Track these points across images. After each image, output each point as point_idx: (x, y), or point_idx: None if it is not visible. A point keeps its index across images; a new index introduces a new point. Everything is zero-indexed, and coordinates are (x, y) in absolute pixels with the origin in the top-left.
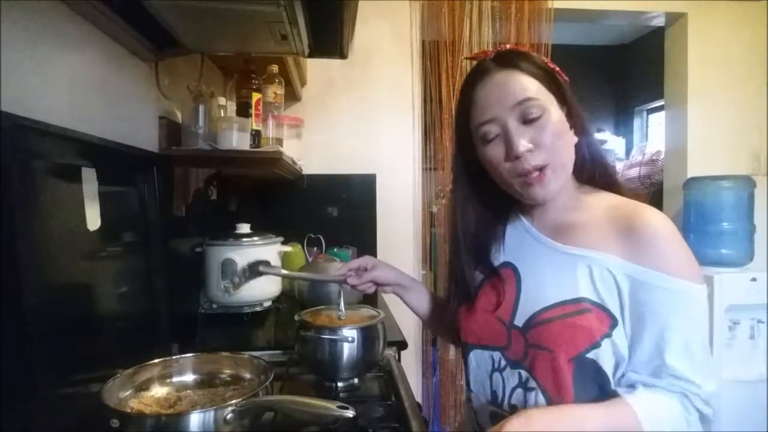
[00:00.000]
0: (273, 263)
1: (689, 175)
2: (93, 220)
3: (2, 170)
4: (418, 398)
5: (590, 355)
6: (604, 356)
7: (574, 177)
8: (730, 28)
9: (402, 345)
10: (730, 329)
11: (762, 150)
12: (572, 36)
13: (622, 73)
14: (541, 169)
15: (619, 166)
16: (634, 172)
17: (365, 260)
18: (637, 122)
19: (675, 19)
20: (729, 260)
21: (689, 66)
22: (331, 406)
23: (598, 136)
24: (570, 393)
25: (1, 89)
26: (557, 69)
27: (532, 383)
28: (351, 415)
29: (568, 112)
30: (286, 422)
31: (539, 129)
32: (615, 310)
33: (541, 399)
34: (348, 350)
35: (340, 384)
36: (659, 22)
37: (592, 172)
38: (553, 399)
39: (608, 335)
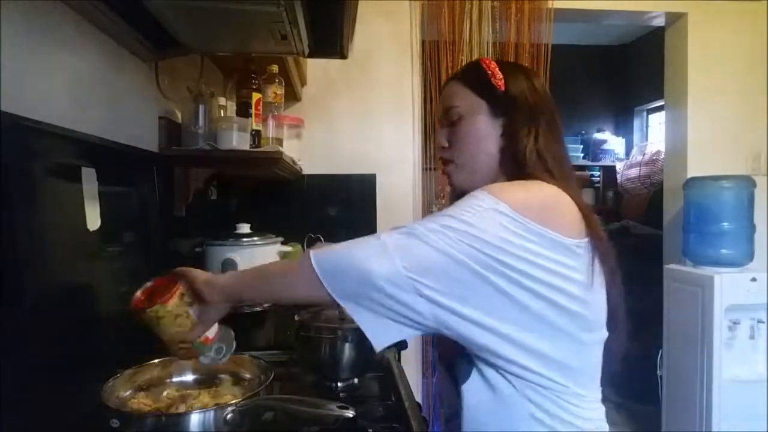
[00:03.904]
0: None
1: (689, 175)
2: (93, 220)
3: (2, 170)
4: (418, 398)
5: None
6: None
7: (508, 176)
8: (730, 28)
9: (402, 345)
10: (730, 329)
11: (762, 150)
12: (572, 36)
13: (622, 73)
14: (449, 164)
15: (619, 166)
16: (634, 172)
17: None
18: (637, 122)
19: (675, 19)
20: (729, 260)
21: (689, 66)
22: (331, 406)
23: (599, 136)
24: (442, 343)
25: (1, 89)
26: (500, 83)
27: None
28: (351, 415)
29: (507, 123)
30: (286, 422)
31: (454, 131)
32: None
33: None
34: (348, 350)
35: (340, 384)
36: (659, 22)
37: (516, 173)
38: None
39: None
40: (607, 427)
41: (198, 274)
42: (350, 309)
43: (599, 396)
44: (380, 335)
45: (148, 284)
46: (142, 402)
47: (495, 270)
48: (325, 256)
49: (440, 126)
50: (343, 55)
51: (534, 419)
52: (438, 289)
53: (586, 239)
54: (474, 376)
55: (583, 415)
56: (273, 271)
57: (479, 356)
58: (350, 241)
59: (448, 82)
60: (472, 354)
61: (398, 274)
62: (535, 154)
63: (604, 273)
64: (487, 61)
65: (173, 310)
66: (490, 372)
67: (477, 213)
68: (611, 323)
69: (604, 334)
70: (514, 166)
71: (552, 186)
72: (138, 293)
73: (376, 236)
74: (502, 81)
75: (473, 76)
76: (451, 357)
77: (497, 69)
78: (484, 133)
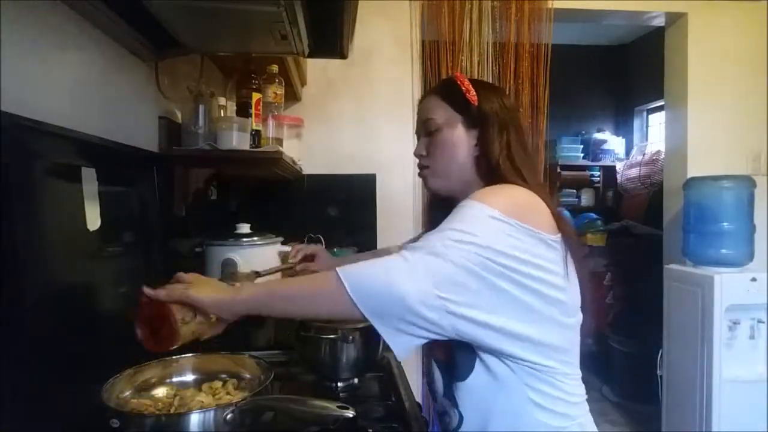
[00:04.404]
0: (273, 264)
1: (689, 175)
2: (93, 220)
3: (2, 170)
4: (418, 398)
5: None
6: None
7: (482, 181)
8: (730, 28)
9: None
10: (730, 329)
11: (762, 150)
12: (572, 36)
13: (622, 73)
14: (425, 169)
15: (619, 166)
16: (634, 172)
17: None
18: (637, 122)
19: (675, 19)
20: (729, 260)
21: (689, 66)
22: (331, 406)
23: (599, 136)
24: (441, 349)
25: (1, 89)
26: (474, 99)
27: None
28: (351, 415)
29: (480, 134)
30: (286, 422)
31: (431, 141)
32: None
33: (433, 357)
34: (348, 350)
35: (340, 384)
36: (659, 22)
37: (491, 178)
38: (437, 358)
39: None
40: (586, 406)
41: (201, 297)
42: (377, 324)
43: (580, 374)
44: (403, 347)
45: (140, 315)
46: (142, 402)
47: (499, 273)
48: (357, 277)
49: (418, 136)
50: (343, 55)
51: (531, 403)
52: (462, 302)
53: (559, 235)
54: (477, 367)
55: (569, 391)
56: (296, 289)
57: (481, 349)
58: (375, 261)
59: (426, 96)
60: (474, 347)
61: (430, 296)
62: (508, 162)
63: (576, 265)
64: (462, 78)
65: (186, 335)
66: (491, 361)
67: (477, 223)
68: (583, 307)
69: (580, 317)
70: (489, 173)
71: (523, 188)
72: (139, 333)
73: (401, 257)
74: (476, 96)
75: (449, 92)
76: (450, 352)
77: (470, 86)
78: (459, 142)
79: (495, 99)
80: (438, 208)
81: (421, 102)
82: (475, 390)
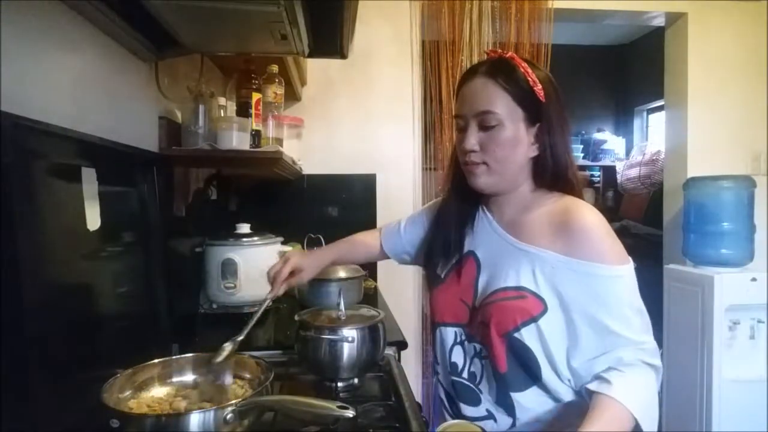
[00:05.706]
0: (273, 263)
1: (689, 175)
2: (93, 220)
3: (2, 170)
4: (418, 398)
5: (516, 335)
6: (530, 338)
7: (534, 181)
8: (730, 28)
9: (402, 345)
10: (730, 329)
11: (762, 150)
12: (572, 36)
13: (622, 73)
14: (479, 165)
15: (619, 166)
16: (634, 172)
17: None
18: (637, 122)
19: (675, 19)
20: (729, 260)
21: (689, 66)
22: (331, 406)
23: (599, 136)
24: (504, 364)
25: (1, 89)
26: (542, 95)
27: (484, 352)
28: (351, 415)
29: (540, 130)
30: (286, 422)
31: (489, 136)
32: (550, 298)
33: (489, 366)
34: (348, 350)
35: (340, 384)
36: (659, 22)
37: (554, 181)
38: (495, 368)
39: (534, 320)
40: None
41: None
42: None
43: None
44: None
45: None
46: (142, 402)
47: None
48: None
49: (462, 125)
50: (343, 55)
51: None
52: None
53: None
54: (534, 384)
55: None
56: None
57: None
58: (639, 382)
59: (477, 76)
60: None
61: None
62: (575, 167)
63: None
64: (524, 65)
65: None
66: (552, 380)
67: (631, 295)
68: None
69: None
70: (547, 176)
71: (597, 211)
72: None
73: (648, 371)
74: (543, 92)
75: (513, 81)
76: (510, 365)
77: (535, 76)
78: (521, 141)
79: (553, 91)
80: (460, 200)
81: (468, 82)
82: (531, 399)
